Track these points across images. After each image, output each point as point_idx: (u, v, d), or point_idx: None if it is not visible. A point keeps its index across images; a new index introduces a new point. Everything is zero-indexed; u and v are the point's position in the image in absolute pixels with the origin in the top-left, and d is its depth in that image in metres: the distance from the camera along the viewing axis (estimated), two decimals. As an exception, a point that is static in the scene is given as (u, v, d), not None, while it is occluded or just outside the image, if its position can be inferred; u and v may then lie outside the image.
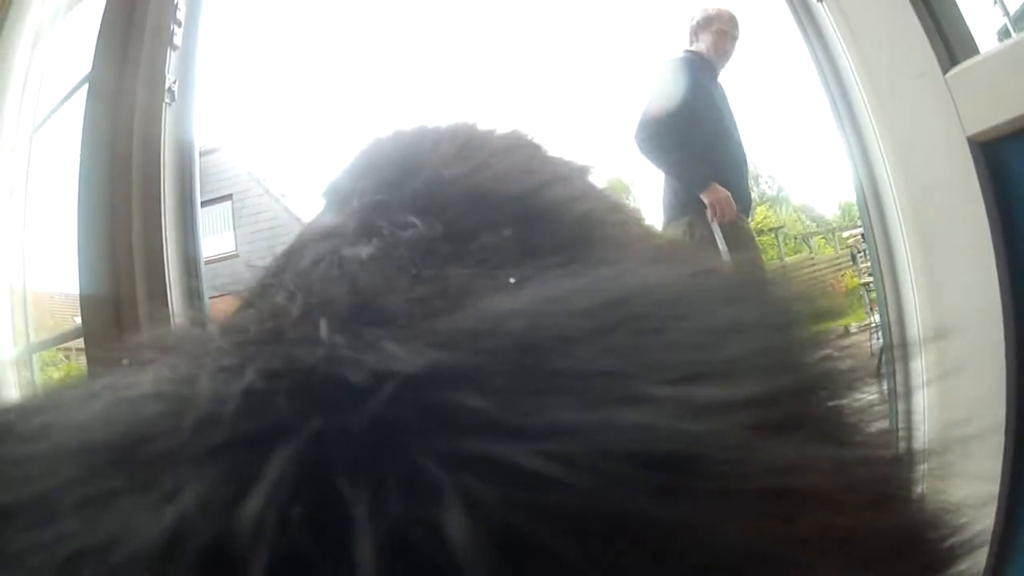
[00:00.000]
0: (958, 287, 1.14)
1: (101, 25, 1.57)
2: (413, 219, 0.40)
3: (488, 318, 0.25)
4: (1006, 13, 1.39)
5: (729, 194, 2.77)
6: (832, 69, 1.42)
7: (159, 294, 1.50)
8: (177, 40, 1.55)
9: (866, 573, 0.22)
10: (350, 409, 0.20)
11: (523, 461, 0.18)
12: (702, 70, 2.97)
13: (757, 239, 2.84)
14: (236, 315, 0.37)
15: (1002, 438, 1.01)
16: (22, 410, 0.27)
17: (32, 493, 0.20)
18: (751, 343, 0.25)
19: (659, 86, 2.91)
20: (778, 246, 13.62)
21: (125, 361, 0.30)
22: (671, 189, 2.95)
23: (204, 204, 1.66)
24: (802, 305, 0.35)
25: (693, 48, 3.05)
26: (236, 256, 11.70)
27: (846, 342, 0.34)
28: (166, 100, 1.54)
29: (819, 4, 1.39)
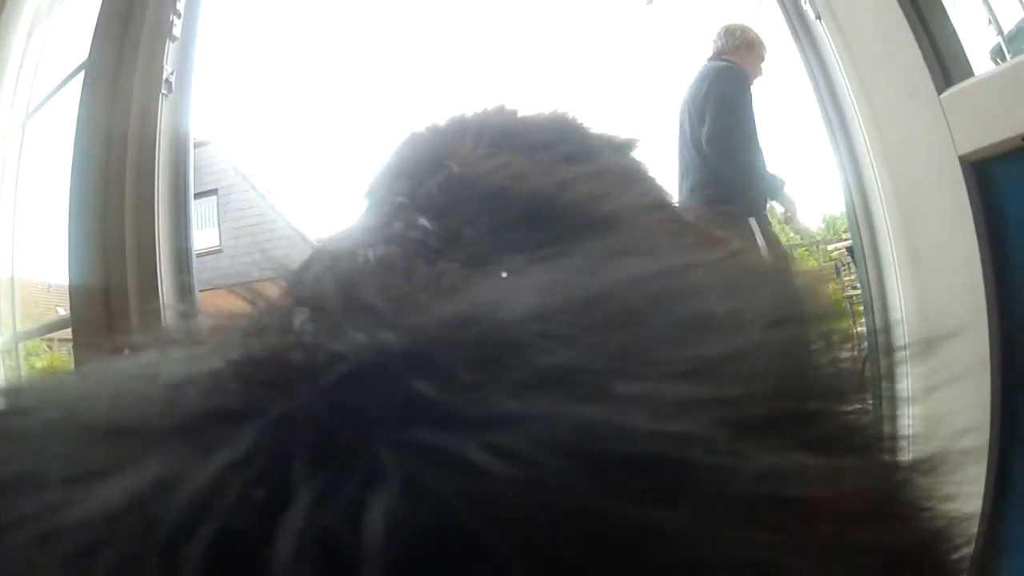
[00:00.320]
0: (945, 302, 1.16)
1: (100, 13, 1.55)
2: (423, 221, 0.41)
3: (457, 309, 0.25)
4: (1000, 32, 1.41)
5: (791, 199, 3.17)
6: (828, 85, 1.44)
7: (150, 286, 1.49)
8: (176, 31, 1.54)
9: None
10: (304, 391, 0.20)
11: (464, 451, 0.18)
12: (746, 83, 3.15)
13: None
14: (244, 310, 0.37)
15: (985, 452, 1.03)
16: (13, 391, 0.28)
17: (20, 468, 0.21)
18: (743, 340, 0.24)
19: (726, 98, 3.07)
20: (762, 258, 13.65)
21: (126, 350, 0.31)
22: (738, 191, 3.04)
23: (191, 198, 1.65)
24: (808, 304, 0.34)
25: (735, 60, 3.19)
26: (220, 251, 11.58)
27: (847, 346, 0.33)
28: (163, 91, 1.52)
29: (817, 22, 1.40)
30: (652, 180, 0.57)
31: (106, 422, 0.22)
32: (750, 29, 3.28)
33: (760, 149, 3.12)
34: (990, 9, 1.44)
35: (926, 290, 1.20)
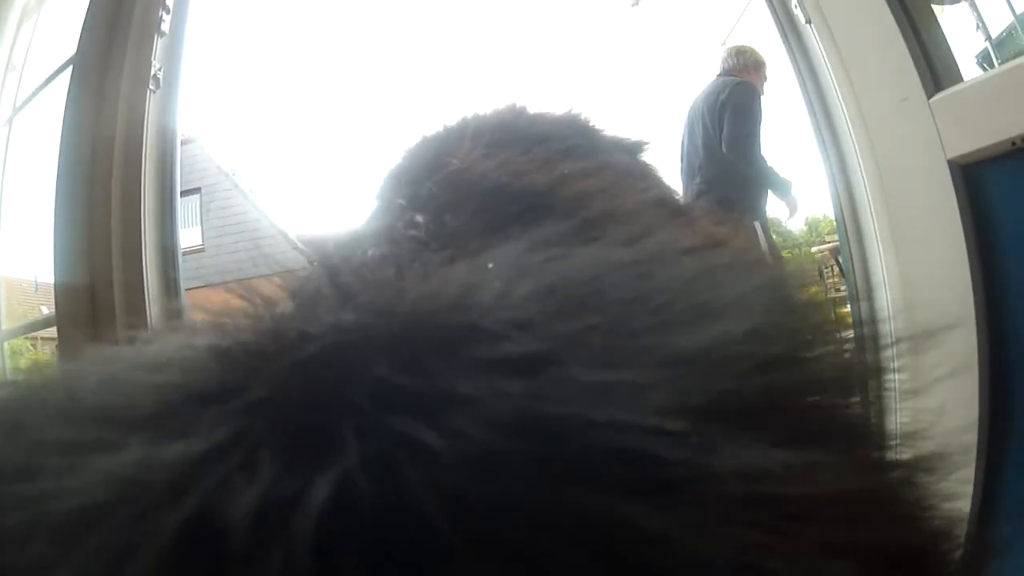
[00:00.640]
0: (933, 303, 1.17)
1: (88, 8, 1.53)
2: (420, 218, 0.41)
3: (425, 293, 0.25)
4: (988, 38, 1.42)
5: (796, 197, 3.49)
6: (817, 89, 1.44)
7: (136, 284, 1.48)
8: (165, 27, 1.53)
9: None
10: (275, 372, 0.21)
11: (418, 432, 0.19)
12: (759, 98, 3.49)
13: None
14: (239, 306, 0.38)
15: (974, 453, 1.03)
16: (12, 381, 0.29)
17: (13, 454, 0.22)
18: (722, 330, 0.23)
19: (747, 110, 3.44)
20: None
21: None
22: (749, 193, 3.41)
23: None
24: (797, 297, 0.34)
25: (747, 79, 3.52)
26: (202, 250, 11.56)
27: (837, 341, 0.33)
28: (151, 87, 1.51)
29: (808, 26, 1.41)
30: (656, 177, 0.57)
31: (92, 409, 0.22)
32: (756, 51, 3.62)
33: (766, 158, 3.48)
34: (978, 15, 1.45)
35: (913, 292, 1.20)
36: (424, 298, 0.24)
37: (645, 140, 0.57)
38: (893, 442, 0.30)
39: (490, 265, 0.29)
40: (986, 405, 1.09)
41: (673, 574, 0.18)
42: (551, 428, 0.19)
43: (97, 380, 0.24)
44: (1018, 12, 1.44)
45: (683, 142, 3.60)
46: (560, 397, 0.19)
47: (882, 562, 0.22)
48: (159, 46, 1.53)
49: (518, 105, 0.57)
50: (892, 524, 0.25)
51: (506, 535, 0.17)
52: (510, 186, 0.43)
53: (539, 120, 0.55)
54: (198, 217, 12.11)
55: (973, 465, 1.01)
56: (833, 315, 0.36)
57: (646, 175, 0.55)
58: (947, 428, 0.33)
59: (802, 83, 1.48)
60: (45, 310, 1.62)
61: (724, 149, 3.39)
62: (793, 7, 1.44)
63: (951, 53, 1.22)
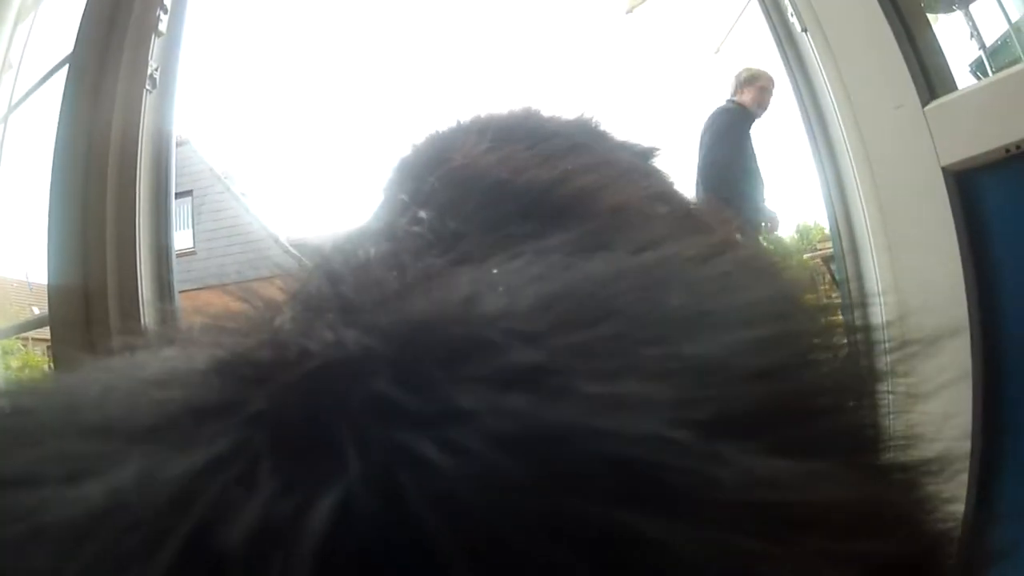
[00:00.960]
0: (927, 311, 1.17)
1: (85, 7, 1.53)
2: (423, 214, 0.41)
3: (427, 307, 0.25)
4: (982, 46, 1.44)
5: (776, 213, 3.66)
6: (812, 97, 1.45)
7: (130, 286, 1.47)
8: (162, 27, 1.53)
9: None
10: (275, 388, 0.21)
11: (419, 447, 0.18)
12: (745, 120, 3.74)
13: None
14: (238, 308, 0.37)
15: (967, 462, 1.03)
16: (14, 391, 0.29)
17: (14, 465, 0.21)
18: (725, 338, 0.23)
19: (714, 136, 3.68)
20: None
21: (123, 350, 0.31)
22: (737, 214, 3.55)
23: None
24: (800, 301, 0.34)
25: (736, 99, 3.76)
26: (194, 253, 11.53)
27: (840, 346, 0.33)
28: (147, 87, 1.51)
29: (804, 34, 1.42)
30: (660, 174, 0.57)
31: (93, 421, 0.22)
32: (754, 68, 3.79)
33: (754, 182, 3.66)
34: (973, 23, 1.46)
35: (907, 300, 1.21)
36: (426, 309, 0.24)
37: (656, 147, 0.57)
38: (892, 448, 0.30)
39: (495, 271, 0.29)
40: (980, 412, 1.09)
41: None
42: (553, 441, 0.19)
43: (97, 393, 0.24)
44: (1013, 20, 1.46)
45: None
46: (563, 409, 0.19)
47: (882, 569, 0.22)
48: (156, 46, 1.53)
49: (532, 107, 0.57)
50: (893, 531, 0.24)
51: (509, 550, 0.17)
52: (511, 183, 0.43)
53: (548, 120, 0.55)
54: (190, 220, 12.09)
55: (967, 471, 1.01)
56: (836, 321, 0.36)
57: (650, 174, 0.55)
58: (942, 434, 0.33)
59: (797, 90, 1.49)
60: (36, 310, 1.60)
61: (698, 176, 3.64)
62: (789, 15, 1.45)
63: (946, 61, 1.23)
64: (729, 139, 3.66)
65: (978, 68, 1.44)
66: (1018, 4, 1.48)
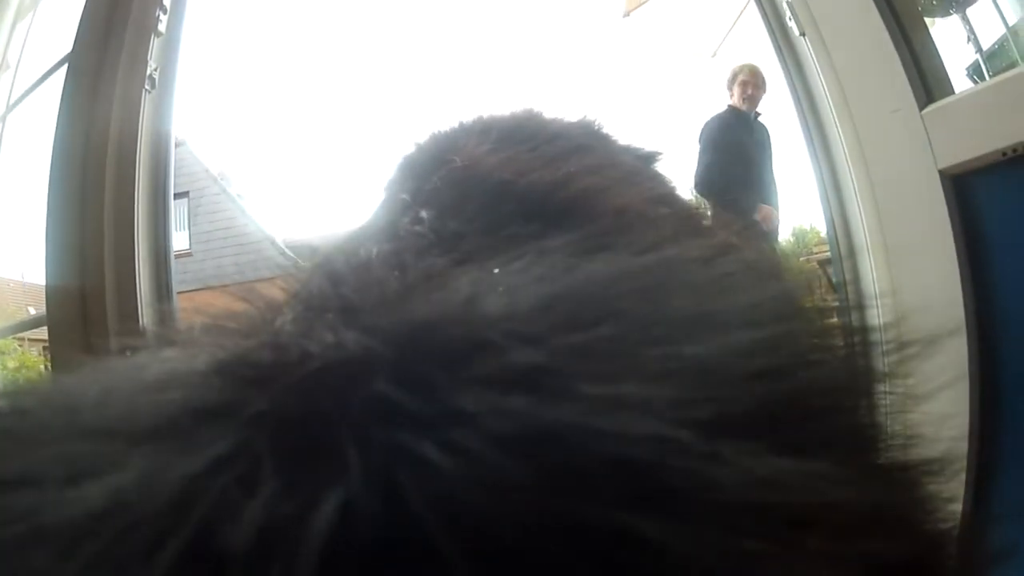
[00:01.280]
0: (924, 314, 1.18)
1: (85, 6, 1.53)
2: (424, 214, 0.41)
3: (428, 308, 0.24)
4: (979, 50, 1.44)
5: (770, 208, 3.64)
6: (809, 100, 1.45)
7: (128, 287, 1.47)
8: (162, 27, 1.53)
9: None
10: (276, 390, 0.21)
11: (421, 449, 0.18)
12: (736, 120, 3.78)
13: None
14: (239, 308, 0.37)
15: (964, 464, 1.04)
16: (13, 392, 0.29)
17: (15, 467, 0.21)
18: (726, 338, 0.23)
19: (705, 142, 3.79)
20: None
21: (124, 351, 0.31)
22: (724, 215, 3.54)
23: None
24: (801, 301, 0.34)
25: (730, 102, 3.83)
26: (190, 255, 11.50)
27: (848, 346, 0.33)
28: (146, 87, 1.50)
29: (801, 38, 1.42)
30: (662, 178, 0.57)
31: (94, 423, 0.22)
32: (736, 65, 3.89)
33: (756, 181, 3.69)
34: (970, 27, 1.47)
35: (904, 302, 1.21)
36: (427, 310, 0.24)
37: (659, 151, 0.57)
38: (891, 448, 0.30)
39: (496, 271, 0.29)
40: (977, 412, 1.09)
41: None
42: (554, 442, 0.19)
43: (96, 394, 0.24)
44: (1010, 24, 1.47)
45: None
46: (563, 410, 0.19)
47: (882, 569, 0.22)
48: (155, 46, 1.52)
49: (535, 109, 0.56)
50: (892, 532, 0.24)
51: (510, 551, 0.17)
52: (514, 184, 0.43)
53: (551, 122, 0.55)
54: (186, 221, 12.06)
55: (964, 472, 1.02)
56: (834, 323, 0.36)
57: (653, 177, 0.55)
58: (939, 435, 0.32)
59: (795, 94, 1.49)
60: (32, 310, 1.60)
61: (695, 184, 3.74)
62: (787, 20, 1.46)
63: (943, 65, 1.24)
64: (720, 143, 3.73)
65: (975, 72, 1.45)
66: (1015, 8, 1.49)
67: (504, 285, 0.26)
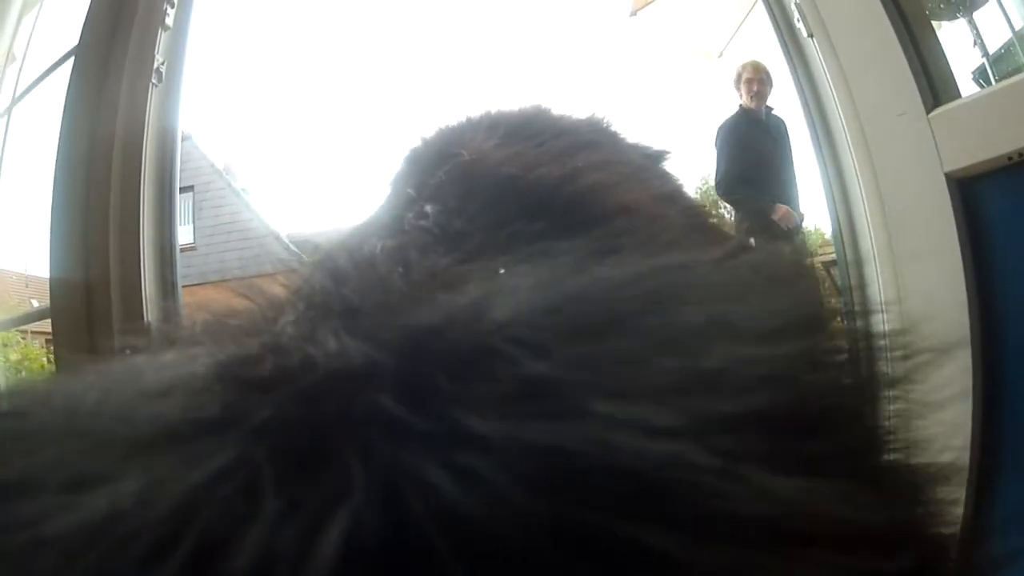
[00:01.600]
0: (929, 318, 1.17)
1: None
2: (429, 208, 0.40)
3: (432, 316, 0.24)
4: (985, 54, 1.44)
5: (788, 207, 3.60)
6: (816, 101, 1.45)
7: (132, 281, 1.47)
8: (169, 21, 1.52)
9: None
10: (278, 399, 0.21)
11: (425, 471, 0.18)
12: (747, 120, 3.79)
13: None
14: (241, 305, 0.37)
15: (966, 473, 1.04)
16: (14, 393, 0.29)
17: (14, 473, 0.21)
18: (738, 351, 0.23)
19: (720, 146, 3.80)
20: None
21: (127, 350, 0.31)
22: (745, 217, 3.75)
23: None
24: (815, 310, 0.34)
25: (741, 103, 3.82)
26: (194, 249, 11.50)
27: (849, 351, 0.32)
28: (153, 81, 1.50)
29: (809, 40, 1.42)
30: (670, 176, 0.56)
31: (93, 428, 0.22)
32: (738, 65, 3.88)
33: (771, 180, 3.68)
34: (977, 31, 1.47)
35: (909, 305, 1.21)
36: (431, 317, 0.24)
37: (667, 150, 0.57)
38: (895, 457, 0.30)
39: (501, 271, 0.29)
40: (980, 421, 1.09)
41: None
42: (560, 463, 0.19)
43: (96, 399, 0.24)
44: (1017, 28, 1.46)
45: None
46: (570, 430, 0.19)
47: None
48: (162, 40, 1.52)
49: (543, 105, 0.56)
50: (896, 543, 0.24)
51: (517, 571, 0.17)
52: (522, 179, 0.43)
53: (559, 119, 0.55)
54: (191, 215, 12.07)
55: (967, 480, 1.01)
56: (841, 328, 0.36)
57: (660, 175, 0.55)
58: (944, 442, 0.32)
59: (802, 95, 1.49)
60: (35, 303, 1.60)
61: (716, 187, 3.86)
62: (795, 21, 1.45)
63: (950, 69, 1.24)
64: (734, 146, 3.74)
65: (981, 76, 1.45)
66: (1022, 12, 1.48)
67: (510, 289, 0.25)
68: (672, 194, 0.53)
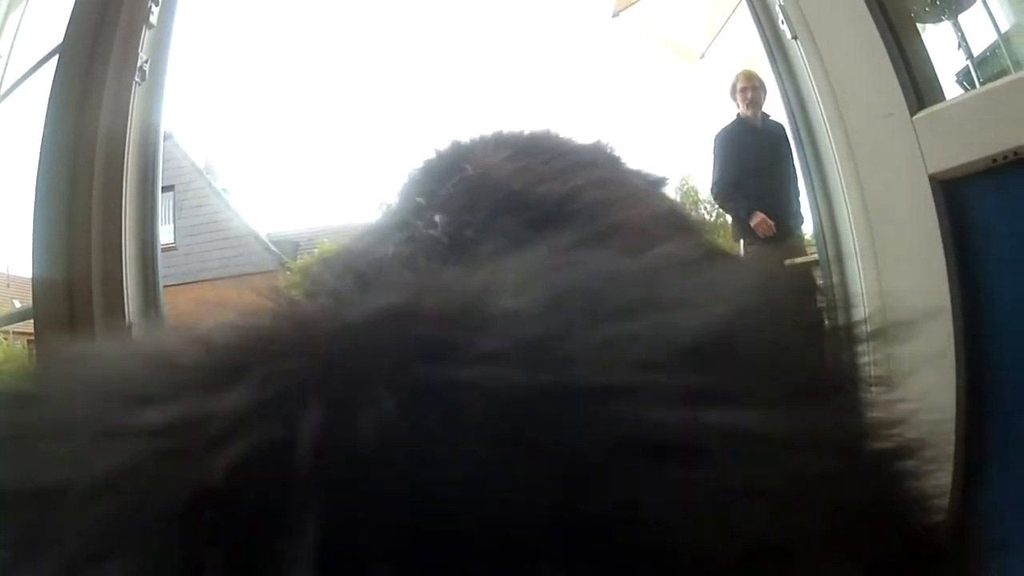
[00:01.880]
0: (912, 319, 1.18)
1: (76, -3, 1.52)
2: (438, 217, 0.42)
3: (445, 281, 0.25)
4: (969, 56, 1.46)
5: (764, 216, 3.64)
6: (800, 103, 1.46)
7: (115, 280, 1.46)
8: (153, 19, 1.51)
9: None
10: (320, 341, 0.22)
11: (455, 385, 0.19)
12: (742, 129, 3.88)
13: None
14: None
15: (951, 469, 1.04)
16: (39, 377, 0.29)
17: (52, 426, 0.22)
18: (719, 327, 0.23)
19: (715, 154, 3.91)
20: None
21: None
22: (736, 223, 3.93)
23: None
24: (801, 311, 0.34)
25: (738, 112, 3.91)
26: (175, 249, 11.49)
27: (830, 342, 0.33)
28: (136, 79, 1.49)
29: (794, 42, 1.43)
30: (669, 200, 0.58)
31: (133, 375, 0.23)
32: (733, 75, 3.96)
33: (766, 188, 3.70)
34: (961, 34, 1.48)
35: (891, 305, 1.22)
36: (437, 287, 0.25)
37: (666, 176, 0.59)
38: (880, 444, 0.30)
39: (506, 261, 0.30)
40: (963, 418, 1.10)
41: (672, 564, 0.18)
42: (554, 419, 0.19)
43: (132, 353, 0.25)
44: (1002, 31, 1.48)
45: None
46: (564, 391, 0.19)
47: (873, 565, 0.22)
48: (146, 38, 1.51)
49: (551, 129, 0.58)
50: (882, 528, 0.24)
51: (522, 531, 0.18)
52: (526, 194, 0.44)
53: (565, 140, 0.57)
54: (171, 215, 12.04)
55: (951, 467, 1.02)
56: (823, 322, 0.36)
57: (660, 198, 0.56)
58: (927, 431, 0.33)
59: (786, 97, 1.50)
60: (17, 303, 1.59)
61: (712, 197, 4.04)
62: (780, 23, 1.46)
63: (934, 71, 1.25)
64: (728, 155, 3.84)
65: (965, 78, 1.46)
66: (1007, 15, 1.50)
67: (509, 277, 0.26)
68: (671, 210, 0.55)
